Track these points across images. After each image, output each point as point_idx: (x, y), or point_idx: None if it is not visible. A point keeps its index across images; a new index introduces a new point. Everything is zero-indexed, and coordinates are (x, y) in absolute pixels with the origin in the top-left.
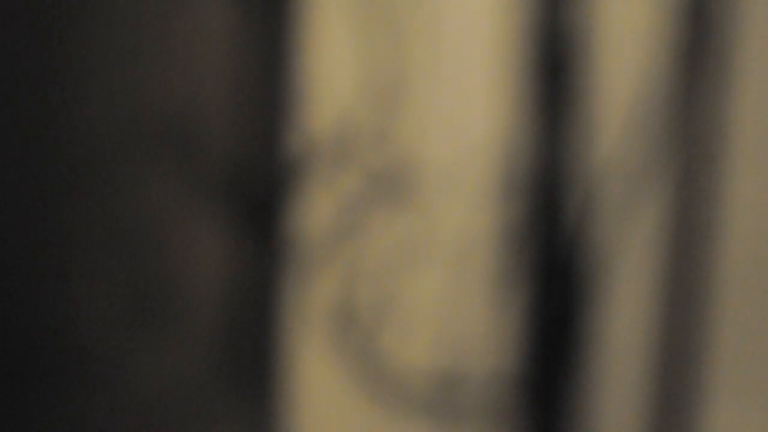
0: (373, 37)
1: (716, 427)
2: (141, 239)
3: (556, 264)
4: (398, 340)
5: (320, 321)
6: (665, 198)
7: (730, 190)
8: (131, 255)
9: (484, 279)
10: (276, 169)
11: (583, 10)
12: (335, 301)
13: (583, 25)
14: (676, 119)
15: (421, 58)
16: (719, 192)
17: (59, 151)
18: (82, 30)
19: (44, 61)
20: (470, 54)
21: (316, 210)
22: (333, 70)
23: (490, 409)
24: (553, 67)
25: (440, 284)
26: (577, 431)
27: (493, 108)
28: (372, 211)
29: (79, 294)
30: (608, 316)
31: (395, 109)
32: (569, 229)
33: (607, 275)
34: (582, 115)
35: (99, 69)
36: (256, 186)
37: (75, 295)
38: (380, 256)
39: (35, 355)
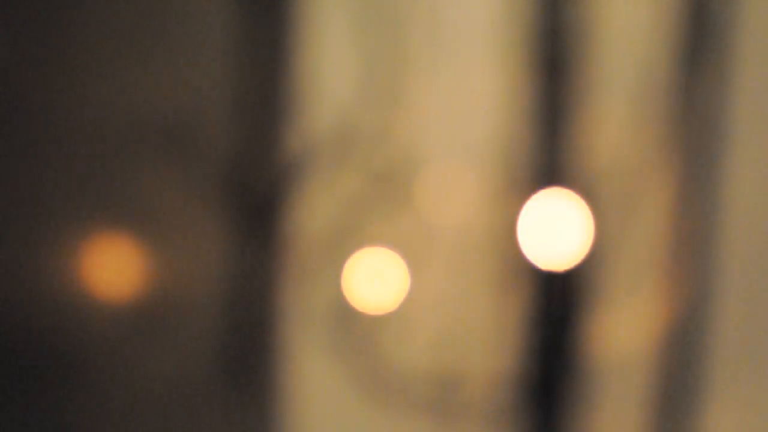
0: (373, 37)
1: (716, 427)
2: (141, 239)
3: None
4: (398, 340)
5: (320, 321)
6: (665, 197)
7: (730, 190)
8: (131, 254)
9: (484, 279)
10: (276, 169)
11: (583, 10)
12: (335, 301)
13: (583, 25)
14: (677, 119)
15: (421, 58)
16: (719, 192)
17: (59, 151)
18: (82, 31)
19: (44, 61)
20: (470, 54)
21: (316, 210)
22: (333, 70)
23: (490, 409)
24: (554, 66)
25: (440, 284)
26: (577, 431)
27: (493, 108)
28: (372, 211)
29: (79, 294)
30: (608, 315)
31: (395, 109)
32: None
33: (607, 275)
34: (582, 115)
35: (99, 70)
36: (256, 186)
37: (74, 295)
38: (380, 256)
39: (34, 356)
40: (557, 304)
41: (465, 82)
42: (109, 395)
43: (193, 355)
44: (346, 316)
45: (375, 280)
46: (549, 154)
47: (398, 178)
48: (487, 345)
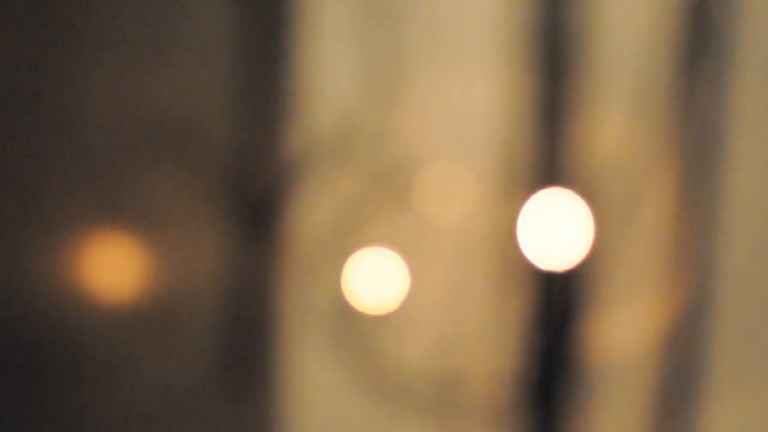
0: (373, 36)
1: (716, 427)
2: (141, 239)
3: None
4: (398, 340)
5: (320, 321)
6: (665, 197)
7: (730, 190)
8: (131, 254)
9: (484, 279)
10: (276, 169)
11: (583, 10)
12: (335, 301)
13: (583, 25)
14: (677, 119)
15: (421, 57)
16: (719, 192)
17: (59, 151)
18: (82, 32)
19: (44, 62)
20: (470, 54)
21: (316, 210)
22: (333, 69)
23: (490, 409)
24: (554, 66)
25: (440, 284)
26: (577, 431)
27: (493, 108)
28: (372, 211)
29: (79, 294)
30: (608, 315)
31: (395, 109)
32: None
33: (607, 275)
34: (582, 115)
35: (99, 70)
36: (256, 186)
37: (74, 295)
38: (380, 256)
39: (34, 356)
40: (557, 305)
41: (465, 82)
42: (109, 395)
43: (194, 354)
44: (346, 316)
45: (375, 280)
46: (549, 154)
47: (398, 178)
48: (487, 345)
